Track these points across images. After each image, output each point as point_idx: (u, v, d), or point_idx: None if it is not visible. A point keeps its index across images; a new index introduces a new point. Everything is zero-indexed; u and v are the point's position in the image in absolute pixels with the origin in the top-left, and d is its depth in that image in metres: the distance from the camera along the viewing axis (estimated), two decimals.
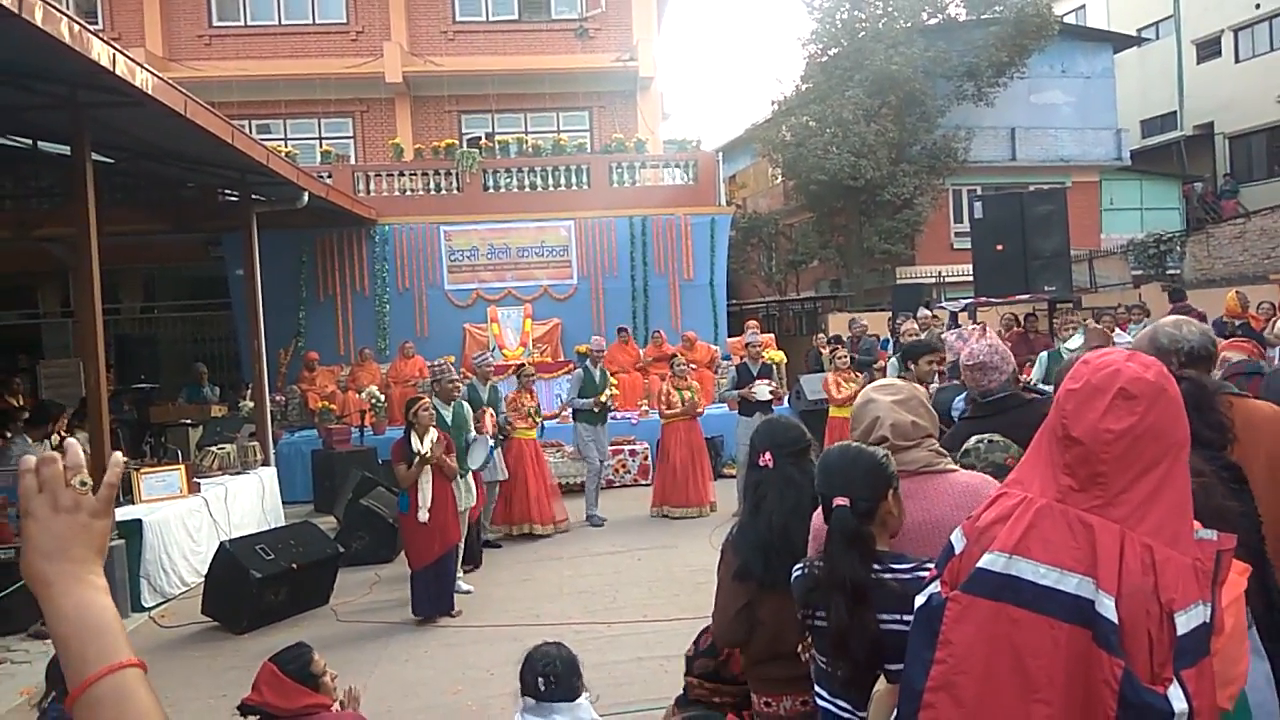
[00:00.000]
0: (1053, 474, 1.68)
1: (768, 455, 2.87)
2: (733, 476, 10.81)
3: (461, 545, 7.51)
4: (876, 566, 2.27)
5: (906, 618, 2.16)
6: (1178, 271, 20.21)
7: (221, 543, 7.27)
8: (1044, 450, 1.73)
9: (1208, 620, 1.59)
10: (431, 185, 15.80)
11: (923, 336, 9.87)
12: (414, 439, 6.84)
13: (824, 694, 2.39)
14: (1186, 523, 1.65)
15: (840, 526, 2.26)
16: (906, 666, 1.79)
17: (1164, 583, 1.57)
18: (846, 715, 2.30)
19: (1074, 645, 1.58)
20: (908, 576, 2.22)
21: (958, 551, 1.77)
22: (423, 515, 6.77)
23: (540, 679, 2.95)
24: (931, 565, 2.20)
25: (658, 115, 19.73)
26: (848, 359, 10.16)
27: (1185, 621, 1.56)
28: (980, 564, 1.67)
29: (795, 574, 2.45)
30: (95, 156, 8.04)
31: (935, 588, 1.77)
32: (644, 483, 11.50)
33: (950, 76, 21.02)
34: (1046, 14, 21.31)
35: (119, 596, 7.13)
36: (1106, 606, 1.57)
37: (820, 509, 2.43)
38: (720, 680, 3.02)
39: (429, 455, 6.76)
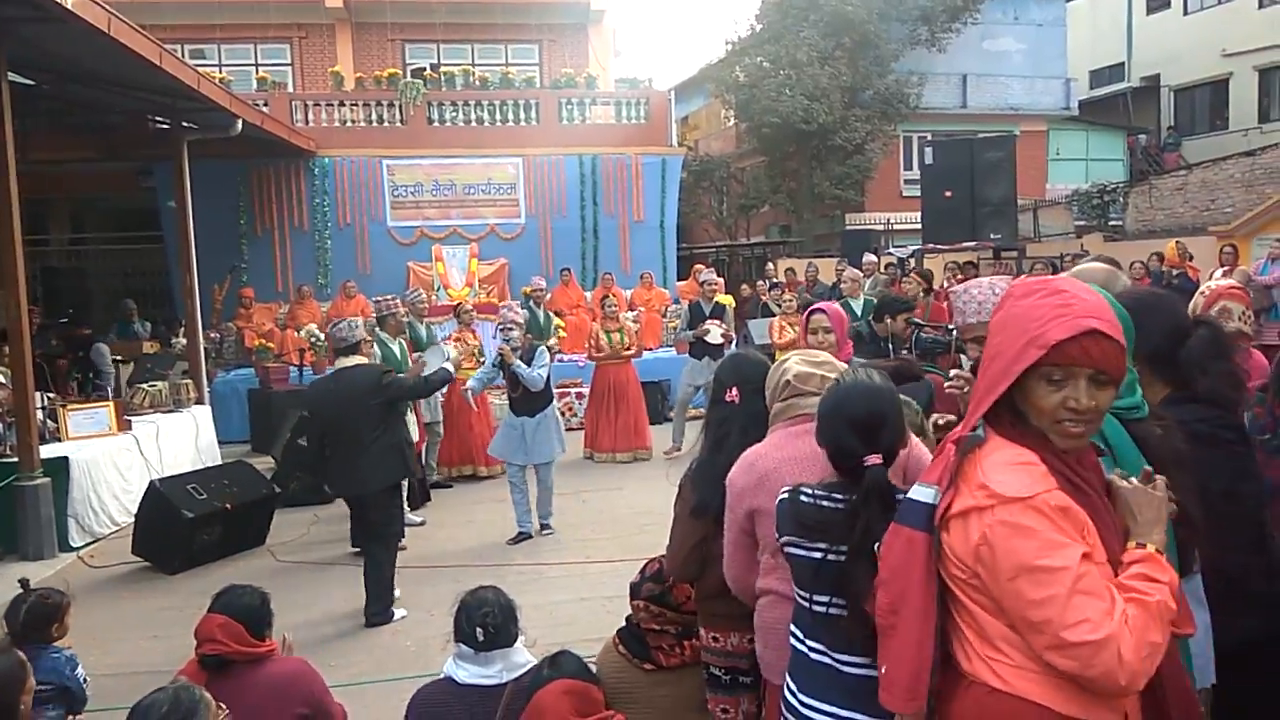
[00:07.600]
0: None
1: (734, 391, 2.83)
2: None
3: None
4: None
5: None
6: (1120, 222, 20.51)
7: (151, 481, 7.07)
8: None
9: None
10: (373, 117, 15.29)
11: (866, 284, 9.79)
12: None
13: (797, 634, 2.25)
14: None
15: (877, 486, 2.09)
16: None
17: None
18: (818, 657, 2.18)
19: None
20: None
21: None
22: None
23: (479, 629, 2.85)
24: None
25: (609, 51, 19.30)
26: (794, 303, 10.09)
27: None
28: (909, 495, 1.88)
29: (791, 499, 2.23)
30: (13, 77, 7.57)
31: None
32: None
33: (904, 20, 20.89)
34: None
35: (44, 536, 6.93)
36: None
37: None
38: (665, 606, 2.99)
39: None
